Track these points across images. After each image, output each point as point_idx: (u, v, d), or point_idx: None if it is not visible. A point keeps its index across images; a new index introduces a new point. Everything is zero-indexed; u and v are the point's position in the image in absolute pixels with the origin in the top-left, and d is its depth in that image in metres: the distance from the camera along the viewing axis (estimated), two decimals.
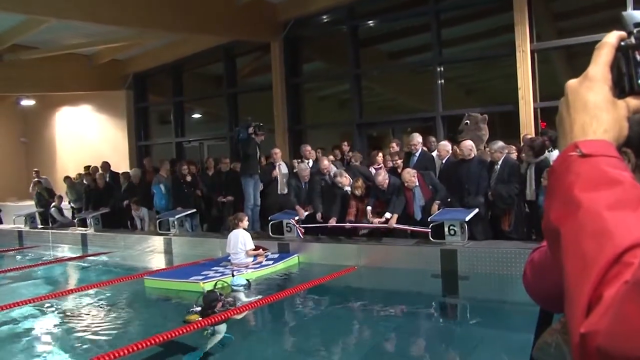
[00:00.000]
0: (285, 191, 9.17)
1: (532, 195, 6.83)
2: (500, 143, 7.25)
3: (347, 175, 8.20)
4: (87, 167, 12.97)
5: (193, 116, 15.29)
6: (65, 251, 10.86)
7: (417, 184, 7.52)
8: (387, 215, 7.56)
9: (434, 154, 8.24)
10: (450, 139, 8.53)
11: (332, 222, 8.06)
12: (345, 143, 10.19)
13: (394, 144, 9.13)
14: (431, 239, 7.10)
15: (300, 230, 8.36)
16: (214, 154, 12.61)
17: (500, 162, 7.15)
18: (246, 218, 7.72)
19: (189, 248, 9.39)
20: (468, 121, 8.43)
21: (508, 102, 9.31)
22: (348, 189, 8.17)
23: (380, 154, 8.90)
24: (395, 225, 7.53)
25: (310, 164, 9.17)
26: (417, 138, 8.20)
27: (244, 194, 9.04)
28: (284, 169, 9.37)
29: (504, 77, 10.12)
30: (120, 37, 11.97)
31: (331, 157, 9.31)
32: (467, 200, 7.25)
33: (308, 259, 8.01)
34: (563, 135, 0.73)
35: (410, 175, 7.48)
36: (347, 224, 7.93)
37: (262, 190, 9.29)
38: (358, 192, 7.95)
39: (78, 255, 10.10)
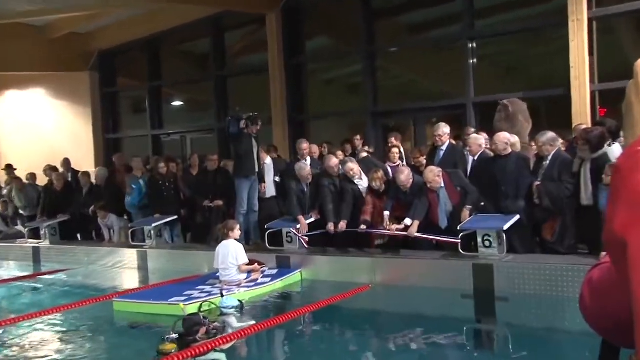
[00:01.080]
0: (268, 194, 9.20)
1: (588, 199, 6.75)
2: (551, 134, 7.15)
3: (356, 163, 8.25)
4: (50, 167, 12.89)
5: (173, 104, 15.36)
6: (11, 269, 10.84)
7: (443, 185, 7.51)
8: (407, 221, 7.54)
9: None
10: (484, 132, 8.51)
11: (342, 226, 8.07)
12: (358, 136, 10.19)
13: (392, 139, 9.12)
14: (461, 252, 7.09)
15: (303, 239, 8.36)
16: (199, 149, 12.66)
17: (550, 157, 7.06)
18: (238, 226, 7.74)
19: (168, 263, 9.41)
20: (502, 110, 8.41)
21: (558, 84, 9.26)
22: (360, 183, 8.17)
23: (396, 149, 8.90)
24: (417, 235, 7.52)
25: (309, 161, 9.19)
26: (443, 128, 8.21)
27: (237, 198, 9.05)
28: (268, 167, 9.39)
29: (553, 53, 10.06)
30: (82, 4, 11.85)
31: (339, 154, 9.31)
32: (504, 205, 7.23)
33: (313, 275, 8.01)
34: (630, 126, 0.72)
35: (434, 175, 7.46)
36: (361, 228, 7.90)
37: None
38: (377, 185, 7.93)
39: (28, 273, 10.07)
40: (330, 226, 8.23)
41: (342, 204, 8.27)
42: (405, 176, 7.69)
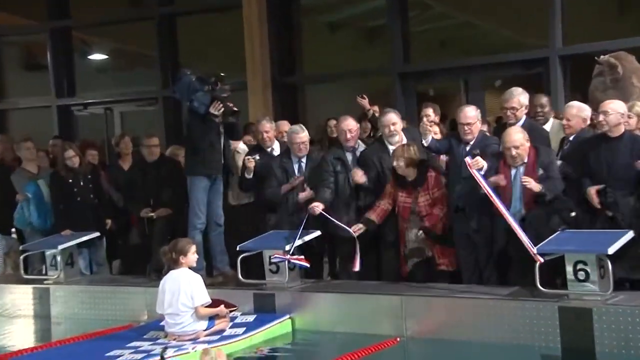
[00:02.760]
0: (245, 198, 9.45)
1: None
2: None
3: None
4: None
5: (91, 57, 15.36)
6: None
7: (525, 160, 7.50)
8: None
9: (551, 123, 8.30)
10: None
11: (317, 208, 8.15)
12: (376, 107, 10.19)
13: (429, 111, 9.18)
14: (539, 287, 7.05)
15: (299, 260, 8.21)
16: (134, 128, 12.66)
17: None
18: (193, 248, 7.72)
19: (83, 306, 9.43)
20: (605, 72, 8.44)
21: None
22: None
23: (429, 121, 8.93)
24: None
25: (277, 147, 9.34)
26: (520, 97, 8.17)
27: (190, 205, 9.02)
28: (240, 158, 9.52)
29: None
30: None
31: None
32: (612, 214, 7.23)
33: (310, 323, 8.03)
34: None
35: (519, 140, 7.38)
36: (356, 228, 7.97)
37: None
38: (401, 168, 7.96)
39: None
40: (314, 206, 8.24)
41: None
42: (474, 109, 7.92)
